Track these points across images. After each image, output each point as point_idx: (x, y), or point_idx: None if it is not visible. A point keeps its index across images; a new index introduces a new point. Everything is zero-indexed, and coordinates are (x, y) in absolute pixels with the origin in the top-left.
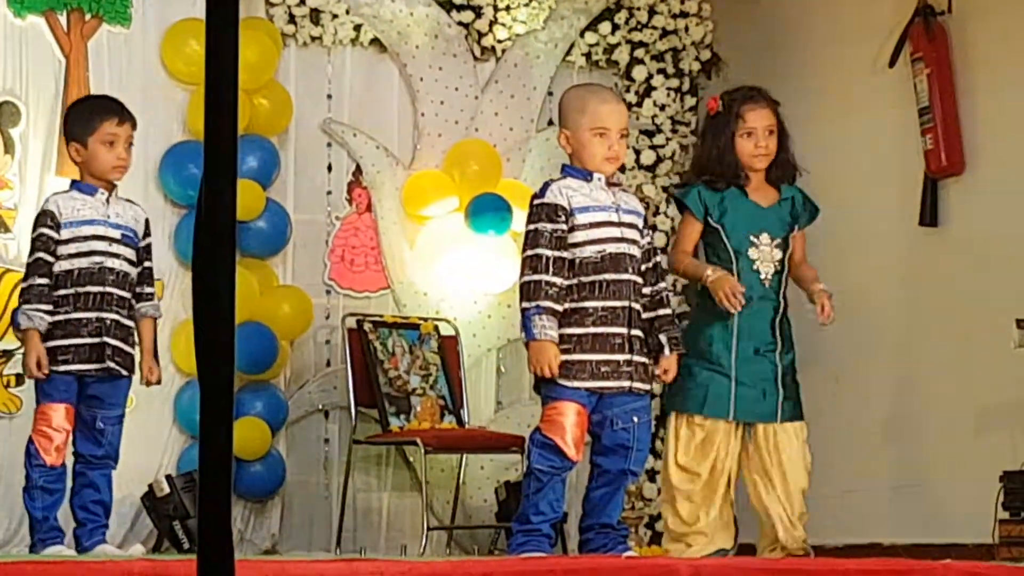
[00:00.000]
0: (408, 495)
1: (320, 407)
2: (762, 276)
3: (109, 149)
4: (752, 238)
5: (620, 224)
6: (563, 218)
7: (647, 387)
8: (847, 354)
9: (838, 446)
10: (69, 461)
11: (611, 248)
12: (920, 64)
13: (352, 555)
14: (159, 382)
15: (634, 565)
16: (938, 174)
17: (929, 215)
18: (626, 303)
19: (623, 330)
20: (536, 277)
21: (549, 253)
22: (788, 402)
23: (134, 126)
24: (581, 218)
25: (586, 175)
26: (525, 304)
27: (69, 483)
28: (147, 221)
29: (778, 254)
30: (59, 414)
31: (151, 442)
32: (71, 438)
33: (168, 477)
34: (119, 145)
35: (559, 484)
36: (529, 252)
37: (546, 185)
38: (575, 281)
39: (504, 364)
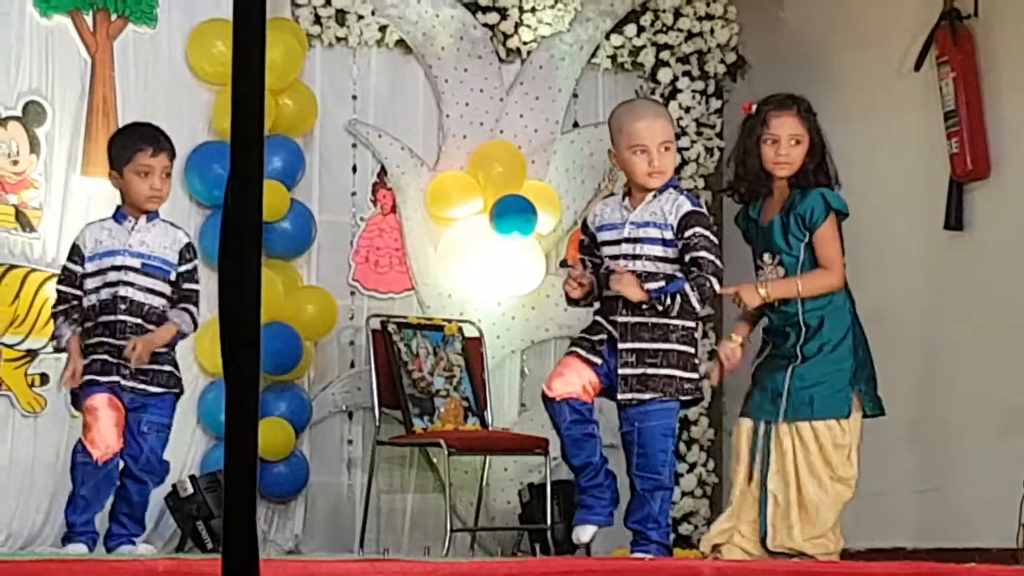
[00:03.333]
0: (431, 496)
1: (344, 408)
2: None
3: (143, 179)
4: (758, 260)
5: (625, 240)
6: (589, 235)
7: (645, 396)
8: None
9: (862, 449)
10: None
11: (611, 265)
12: (946, 68)
13: (375, 556)
14: (160, 383)
15: (657, 566)
16: (963, 178)
17: (954, 219)
18: (612, 318)
19: (610, 328)
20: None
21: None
22: (802, 400)
23: (172, 156)
24: (598, 237)
25: (623, 194)
26: None
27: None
28: (188, 245)
29: (780, 272)
30: (101, 399)
31: (175, 443)
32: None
33: (192, 477)
34: (154, 176)
35: (565, 435)
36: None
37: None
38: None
39: (528, 366)
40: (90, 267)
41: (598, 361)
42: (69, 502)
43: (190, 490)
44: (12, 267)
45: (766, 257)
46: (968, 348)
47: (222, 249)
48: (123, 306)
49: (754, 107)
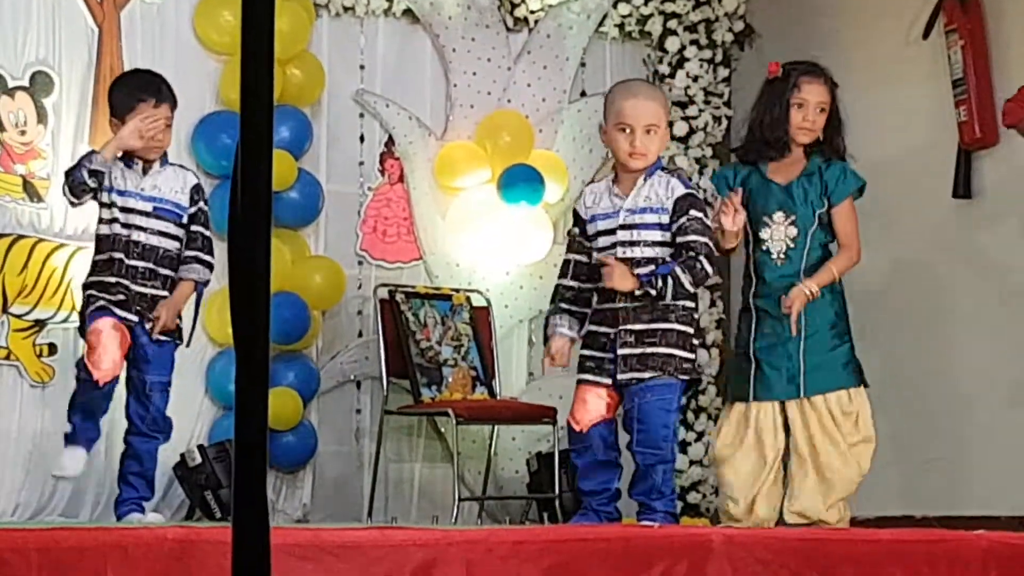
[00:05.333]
0: (439, 466)
1: (352, 377)
2: (773, 256)
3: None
4: (765, 217)
5: (621, 227)
6: (580, 224)
7: (644, 375)
8: (880, 326)
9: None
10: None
11: (600, 258)
12: (954, 36)
13: (383, 525)
14: (166, 333)
15: (667, 534)
16: (971, 146)
17: (962, 187)
18: (611, 305)
19: (610, 330)
20: (558, 281)
21: (570, 257)
22: (816, 374)
23: (174, 106)
24: (590, 228)
25: (611, 179)
26: (550, 308)
27: (112, 445)
28: (197, 187)
29: (792, 231)
30: (106, 322)
31: (183, 412)
32: (126, 403)
33: (200, 447)
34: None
35: (587, 460)
36: (564, 256)
37: (583, 189)
38: (595, 285)
39: (536, 335)
40: (104, 198)
41: (609, 381)
42: (71, 406)
43: (198, 460)
44: (20, 237)
45: (778, 216)
46: (976, 316)
47: (231, 219)
48: (136, 251)
49: (781, 69)
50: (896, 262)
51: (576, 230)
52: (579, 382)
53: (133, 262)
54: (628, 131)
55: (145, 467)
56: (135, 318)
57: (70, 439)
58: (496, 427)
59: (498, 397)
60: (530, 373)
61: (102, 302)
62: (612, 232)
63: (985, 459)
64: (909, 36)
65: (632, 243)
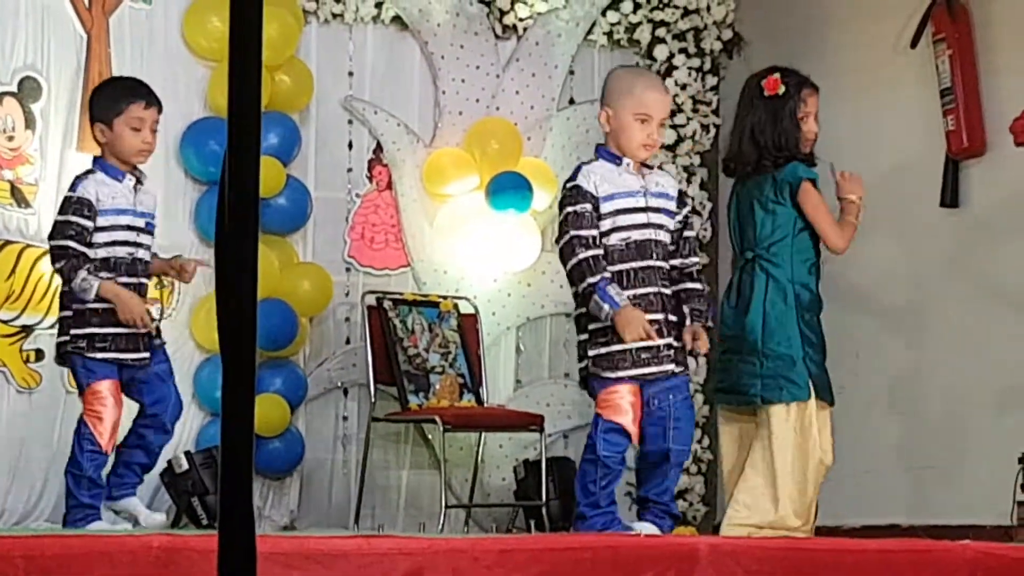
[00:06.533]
0: (426, 473)
1: (339, 384)
2: None
3: (135, 133)
4: None
5: (647, 209)
6: (592, 203)
7: (682, 368)
8: (866, 334)
9: (857, 426)
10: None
11: (636, 235)
12: (942, 45)
13: (370, 532)
14: (154, 336)
15: (654, 543)
16: (959, 155)
17: (950, 196)
18: (656, 289)
19: (659, 316)
20: (587, 254)
21: (590, 232)
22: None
23: (160, 110)
24: (606, 206)
25: (616, 159)
26: (590, 280)
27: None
28: (155, 197)
29: None
30: (107, 387)
31: None
32: (137, 409)
33: (187, 453)
34: (145, 129)
35: (642, 463)
36: (573, 233)
37: (577, 168)
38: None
39: (523, 343)
40: (101, 221)
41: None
42: (76, 481)
43: (185, 466)
44: (7, 243)
45: None
46: (963, 325)
47: (219, 226)
48: (140, 268)
49: (781, 87)
50: (884, 270)
51: (589, 206)
52: (619, 380)
53: (142, 279)
54: (646, 122)
55: (152, 459)
56: (128, 356)
57: (88, 518)
58: (483, 434)
59: (485, 404)
60: (517, 380)
61: (104, 343)
62: (640, 211)
63: (973, 467)
64: (898, 45)
65: (659, 226)
